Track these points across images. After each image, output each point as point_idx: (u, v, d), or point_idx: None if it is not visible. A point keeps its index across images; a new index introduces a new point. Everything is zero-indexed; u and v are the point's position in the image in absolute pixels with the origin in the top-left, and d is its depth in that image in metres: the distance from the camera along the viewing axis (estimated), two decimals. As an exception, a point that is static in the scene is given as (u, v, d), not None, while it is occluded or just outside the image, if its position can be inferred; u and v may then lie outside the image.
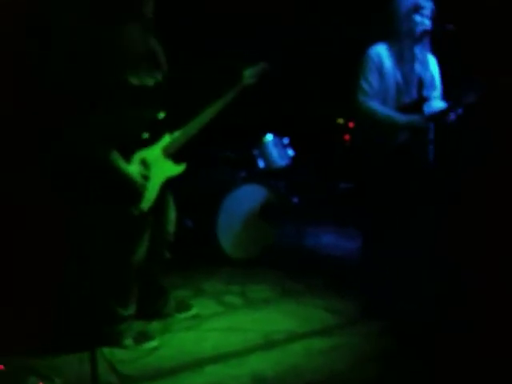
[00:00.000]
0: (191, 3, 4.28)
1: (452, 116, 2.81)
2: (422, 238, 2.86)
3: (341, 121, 5.24)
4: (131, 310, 2.61)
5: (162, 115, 2.55)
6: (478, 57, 3.14)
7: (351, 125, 5.23)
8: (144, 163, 2.50)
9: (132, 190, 2.44)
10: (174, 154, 2.60)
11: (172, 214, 2.78)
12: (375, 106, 2.84)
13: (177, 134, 2.61)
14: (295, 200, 4.34)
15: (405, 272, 2.88)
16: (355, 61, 3.03)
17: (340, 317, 2.88)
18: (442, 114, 2.80)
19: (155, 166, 2.54)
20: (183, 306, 2.95)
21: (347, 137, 5.14)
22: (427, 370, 2.34)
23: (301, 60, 5.04)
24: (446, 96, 3.03)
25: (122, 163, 2.40)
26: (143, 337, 2.59)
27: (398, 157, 2.83)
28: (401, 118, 2.81)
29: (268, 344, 2.60)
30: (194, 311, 2.93)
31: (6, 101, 2.60)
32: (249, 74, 2.71)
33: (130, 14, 2.42)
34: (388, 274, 2.87)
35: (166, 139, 2.59)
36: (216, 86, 2.68)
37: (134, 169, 2.45)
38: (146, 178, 2.49)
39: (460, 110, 2.81)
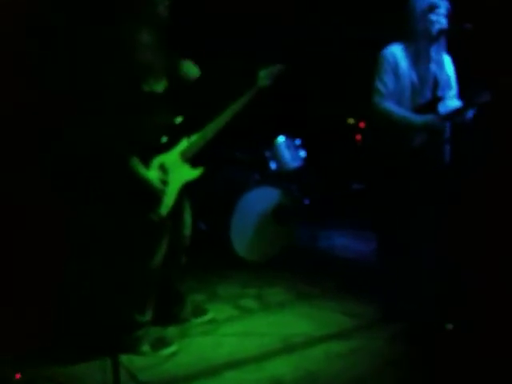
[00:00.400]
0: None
1: (469, 114, 2.79)
2: (435, 240, 2.83)
3: (351, 121, 5.20)
4: (148, 316, 2.60)
5: (178, 120, 2.55)
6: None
7: (362, 125, 5.20)
8: (162, 168, 2.49)
9: (151, 195, 2.43)
10: (191, 158, 2.58)
11: (189, 218, 2.76)
12: (391, 107, 2.81)
13: (194, 137, 2.60)
14: (307, 202, 4.32)
15: (420, 274, 2.86)
16: (365, 60, 3.00)
17: (357, 320, 2.85)
18: (457, 112, 2.77)
19: (173, 170, 2.53)
20: (199, 311, 2.93)
21: (358, 137, 5.11)
22: (445, 373, 2.31)
23: (309, 60, 5.01)
24: (461, 95, 3.00)
25: (141, 169, 2.39)
26: (161, 343, 2.57)
27: (415, 158, 2.80)
28: (416, 118, 2.78)
29: (286, 348, 2.58)
30: (210, 315, 2.92)
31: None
32: (264, 76, 2.65)
33: (141, 18, 2.40)
34: (404, 277, 2.84)
35: (184, 143, 2.58)
36: (232, 88, 2.66)
37: (153, 174, 2.44)
38: (164, 183, 2.48)
39: (475, 109, 2.79)
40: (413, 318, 2.76)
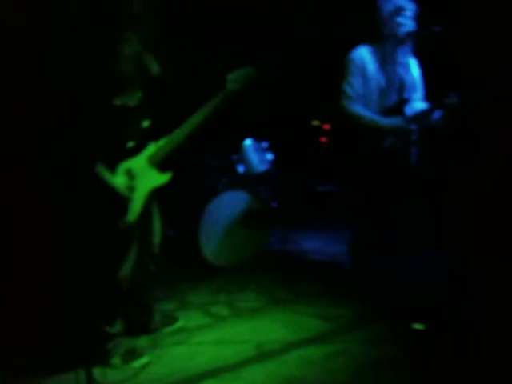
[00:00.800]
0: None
1: (436, 115, 2.81)
2: (411, 238, 2.86)
3: (316, 123, 5.23)
4: (118, 327, 2.49)
5: (146, 124, 2.46)
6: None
7: (326, 127, 5.23)
8: (130, 174, 2.39)
9: (118, 203, 2.33)
10: (159, 163, 2.49)
11: (158, 226, 2.67)
12: (359, 109, 2.82)
13: (162, 142, 2.50)
14: (274, 205, 4.29)
15: (398, 274, 2.87)
16: (329, 62, 3.00)
17: (333, 323, 2.82)
18: (424, 114, 2.80)
19: (141, 176, 2.43)
20: (169, 319, 2.85)
21: (323, 139, 5.13)
22: (428, 375, 2.31)
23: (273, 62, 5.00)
24: (428, 97, 3.04)
25: (107, 175, 2.29)
26: (131, 355, 2.47)
27: (386, 160, 2.81)
28: (384, 120, 2.80)
29: (262, 355, 2.52)
30: (180, 323, 2.84)
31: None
32: (233, 79, 2.56)
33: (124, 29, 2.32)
34: (382, 277, 2.85)
35: (152, 148, 2.48)
36: (207, 91, 2.59)
37: (119, 180, 2.34)
38: (131, 189, 2.39)
39: (441, 111, 2.82)
40: (389, 317, 2.77)
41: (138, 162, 2.44)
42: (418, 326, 2.65)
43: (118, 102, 2.32)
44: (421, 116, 2.81)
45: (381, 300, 2.88)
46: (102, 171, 2.30)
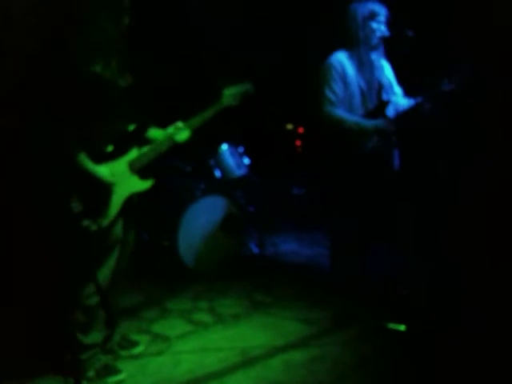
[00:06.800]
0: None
1: (426, 105, 2.81)
2: (396, 238, 2.91)
3: (290, 126, 5.25)
4: (94, 337, 2.42)
5: (131, 127, 2.40)
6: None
7: (301, 130, 5.27)
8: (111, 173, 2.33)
9: (96, 202, 2.27)
10: (140, 170, 2.44)
11: (131, 236, 2.58)
12: (342, 114, 2.85)
13: (146, 148, 2.42)
14: (251, 209, 4.29)
15: (375, 274, 2.92)
16: (300, 66, 3.02)
17: (315, 327, 2.84)
18: (414, 108, 2.80)
19: (120, 180, 2.35)
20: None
21: (298, 142, 5.17)
22: (411, 372, 2.36)
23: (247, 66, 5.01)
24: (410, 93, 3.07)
25: (89, 164, 2.22)
26: (107, 370, 2.39)
27: (368, 162, 2.85)
28: (368, 123, 2.84)
29: (246, 361, 2.52)
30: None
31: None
32: (229, 94, 2.48)
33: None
34: (364, 278, 2.89)
35: (134, 153, 2.40)
36: (198, 99, 2.55)
37: (103, 170, 2.27)
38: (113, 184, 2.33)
39: (428, 104, 2.82)
40: (368, 318, 2.81)
41: (119, 166, 2.36)
42: (397, 327, 2.70)
43: (94, 68, 2.22)
44: (407, 113, 2.82)
45: (360, 301, 2.92)
46: (84, 160, 2.22)
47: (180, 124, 2.46)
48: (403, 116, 2.81)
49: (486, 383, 2.25)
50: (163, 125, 2.50)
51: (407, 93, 3.04)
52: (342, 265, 3.03)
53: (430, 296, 2.92)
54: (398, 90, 3.04)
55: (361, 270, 2.92)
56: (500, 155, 2.97)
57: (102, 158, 2.33)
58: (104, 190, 2.33)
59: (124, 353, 2.59)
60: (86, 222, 2.25)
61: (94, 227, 2.27)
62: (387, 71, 3.07)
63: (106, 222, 2.32)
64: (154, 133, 2.49)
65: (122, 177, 2.37)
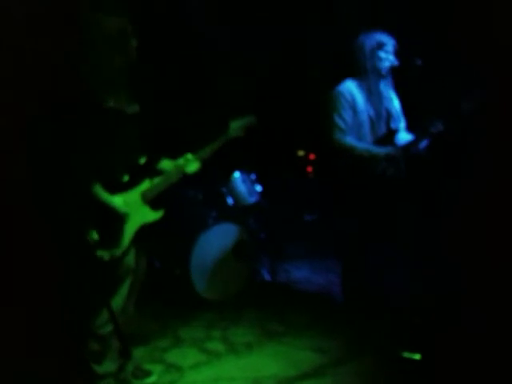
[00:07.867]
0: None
1: (423, 144, 2.91)
2: (407, 265, 2.91)
3: (301, 153, 5.29)
4: (108, 367, 2.44)
5: (142, 160, 2.48)
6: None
7: (312, 156, 5.30)
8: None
9: (107, 232, 2.32)
10: (151, 200, 2.50)
11: (143, 265, 2.64)
12: (352, 141, 2.91)
13: (157, 180, 2.52)
14: (263, 235, 4.29)
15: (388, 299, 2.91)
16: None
17: (328, 356, 2.81)
18: (413, 143, 2.91)
19: (133, 211, 2.43)
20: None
21: (309, 169, 5.19)
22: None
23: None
24: (412, 127, 3.14)
25: (104, 194, 2.30)
26: None
27: (379, 185, 2.89)
28: (379, 150, 2.90)
29: (259, 392, 2.51)
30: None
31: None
32: (236, 127, 2.65)
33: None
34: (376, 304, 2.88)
35: (146, 184, 2.50)
36: (202, 134, 2.64)
37: (117, 200, 2.35)
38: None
39: (427, 140, 2.92)
40: (381, 348, 2.79)
41: (132, 197, 2.45)
42: (412, 355, 2.67)
43: (112, 103, 2.32)
44: (411, 145, 2.91)
45: (374, 329, 2.89)
46: (99, 191, 2.30)
47: (189, 156, 2.57)
48: (408, 146, 2.87)
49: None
50: (170, 151, 2.58)
51: (410, 127, 3.11)
52: (353, 293, 3.02)
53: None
54: (402, 123, 3.10)
55: (372, 295, 2.91)
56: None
57: (116, 188, 2.40)
58: (118, 220, 2.39)
59: (137, 382, 2.58)
60: (100, 252, 2.31)
61: (107, 257, 2.33)
62: (395, 101, 3.13)
63: (119, 252, 2.37)
64: (165, 164, 2.59)
65: (134, 207, 2.45)
